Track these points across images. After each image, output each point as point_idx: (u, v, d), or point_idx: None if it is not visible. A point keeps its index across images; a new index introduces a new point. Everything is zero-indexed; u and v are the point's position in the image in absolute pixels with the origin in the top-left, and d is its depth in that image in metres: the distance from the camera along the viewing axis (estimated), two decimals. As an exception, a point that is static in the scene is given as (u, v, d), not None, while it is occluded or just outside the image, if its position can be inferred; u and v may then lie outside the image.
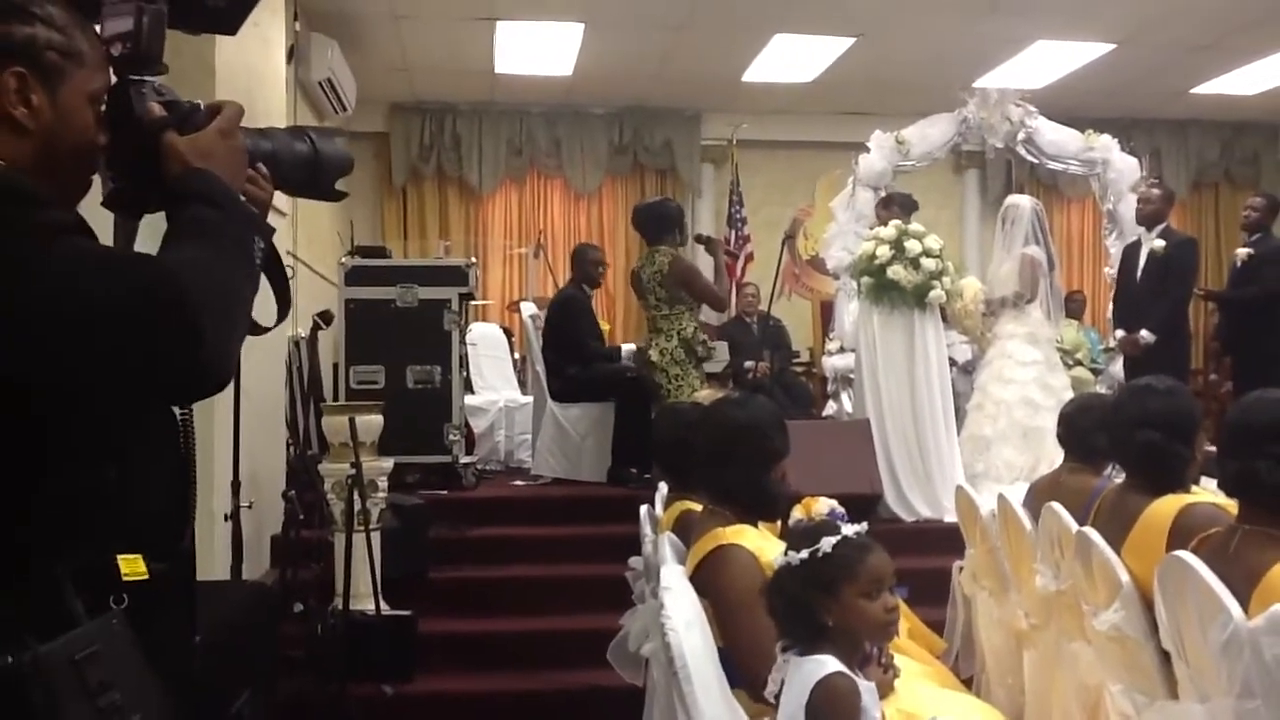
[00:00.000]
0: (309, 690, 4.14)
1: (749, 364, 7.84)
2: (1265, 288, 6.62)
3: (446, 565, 5.23)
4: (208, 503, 4.12)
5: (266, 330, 1.52)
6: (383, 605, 4.51)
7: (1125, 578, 2.58)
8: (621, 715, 3.38)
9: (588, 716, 4.33)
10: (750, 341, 8.27)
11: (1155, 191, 6.71)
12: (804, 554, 2.11)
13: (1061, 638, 2.99)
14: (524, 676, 4.59)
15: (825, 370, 8.04)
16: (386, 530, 4.73)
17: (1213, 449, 2.95)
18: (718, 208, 10.50)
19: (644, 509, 3.65)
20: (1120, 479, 3.21)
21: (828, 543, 2.09)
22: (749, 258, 9.91)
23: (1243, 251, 6.92)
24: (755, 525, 2.68)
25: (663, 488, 3.74)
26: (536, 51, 8.38)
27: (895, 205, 6.87)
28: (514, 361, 8.35)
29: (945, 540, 4.28)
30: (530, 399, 7.16)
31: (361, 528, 4.31)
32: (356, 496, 4.27)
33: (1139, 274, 6.60)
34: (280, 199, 1.57)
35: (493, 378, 7.98)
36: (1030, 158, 8.20)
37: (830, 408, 7.73)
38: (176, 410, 1.46)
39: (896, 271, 5.78)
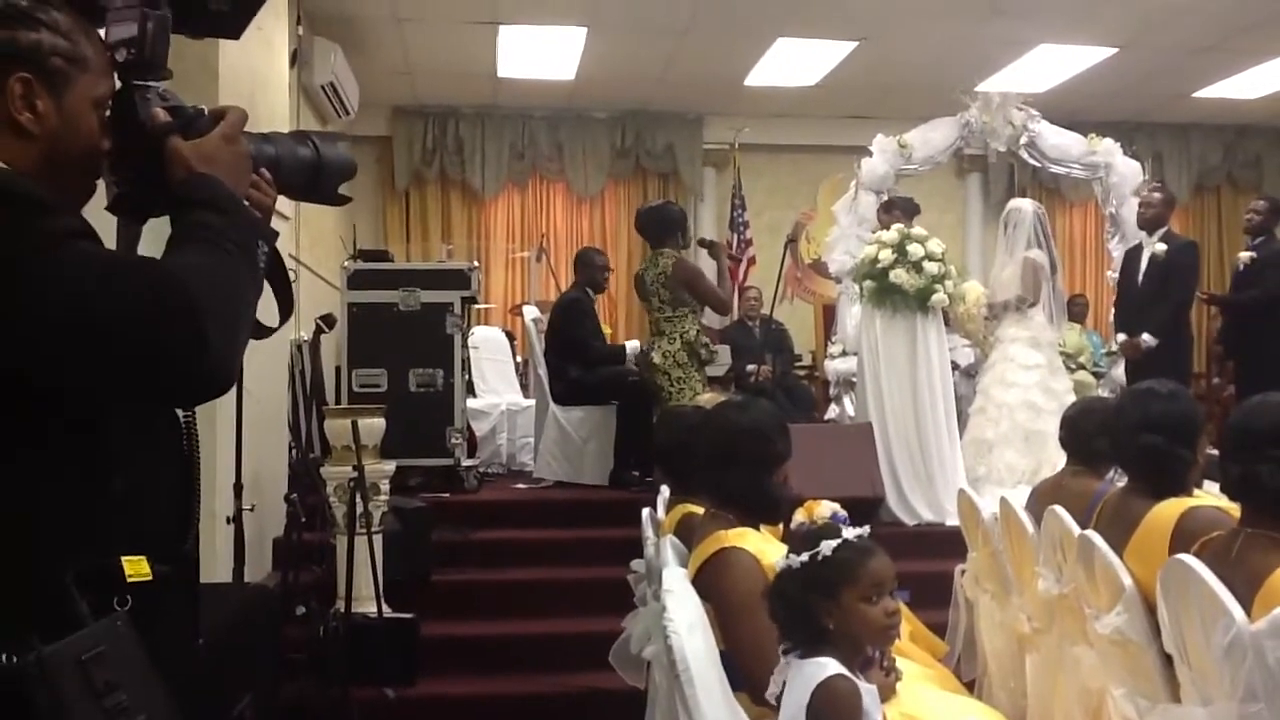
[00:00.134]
0: (311, 693, 4.14)
1: (751, 367, 7.84)
2: (1268, 291, 6.62)
3: (449, 568, 5.23)
4: (210, 505, 4.11)
5: (270, 332, 1.52)
6: (385, 608, 4.51)
7: (1128, 581, 2.58)
8: (623, 718, 3.38)
9: (589, 719, 4.33)
10: (752, 345, 8.27)
11: (1156, 195, 6.72)
12: (804, 557, 2.11)
13: (1064, 641, 2.99)
14: (526, 679, 4.59)
15: (827, 374, 8.04)
16: (388, 533, 4.74)
17: (1215, 452, 2.95)
18: (720, 211, 10.50)
19: (646, 512, 3.65)
20: (1122, 482, 3.21)
21: (828, 546, 2.10)
22: (751, 261, 9.92)
23: (1245, 255, 6.92)
24: (757, 528, 2.68)
25: (664, 491, 3.74)
26: (539, 55, 8.39)
27: (897, 209, 6.88)
28: (516, 365, 8.35)
29: (947, 543, 4.28)
30: (532, 402, 7.16)
31: (363, 531, 4.31)
32: (358, 499, 4.27)
33: (1140, 278, 6.60)
34: (283, 203, 1.58)
35: (495, 381, 7.98)
36: (1033, 161, 8.21)
37: (832, 411, 7.74)
38: (180, 413, 1.47)
39: (899, 275, 5.78)
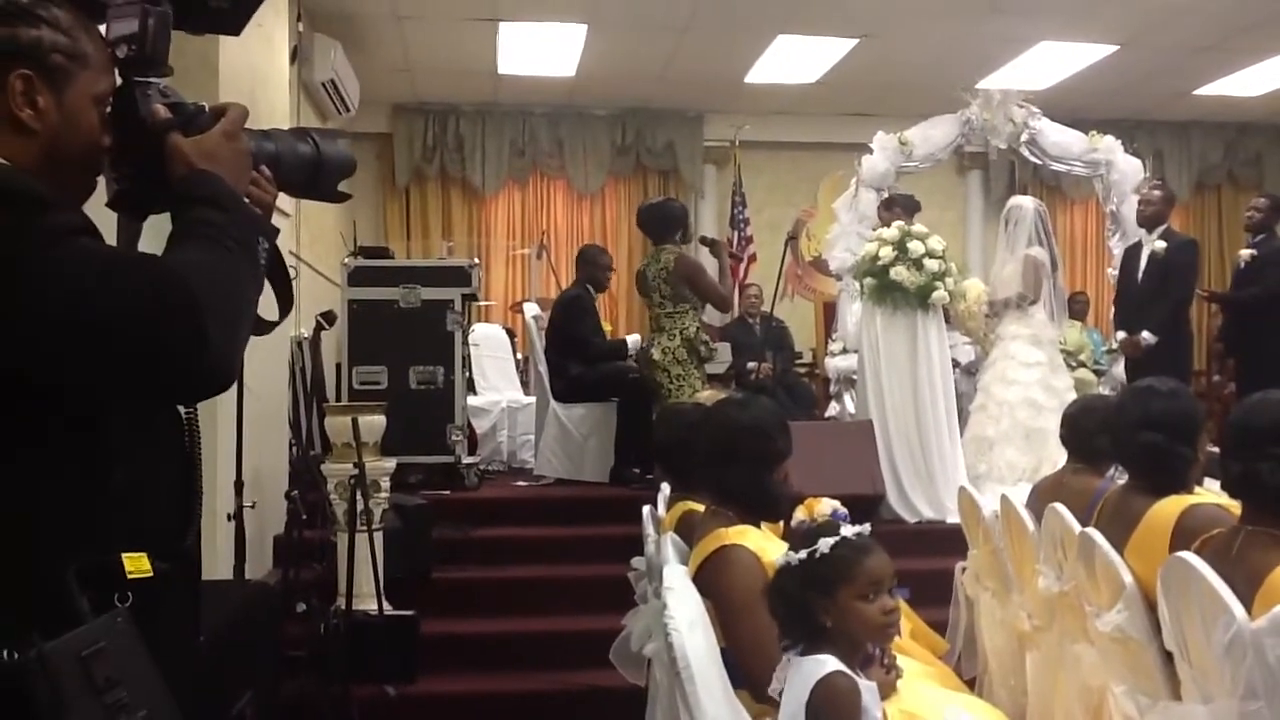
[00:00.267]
0: (311, 690, 4.14)
1: (751, 365, 7.84)
2: (1268, 289, 6.63)
3: (449, 566, 5.24)
4: (211, 503, 4.08)
5: (270, 328, 1.52)
6: (385, 606, 4.52)
7: (1128, 579, 2.58)
8: (624, 715, 3.38)
9: (590, 717, 4.33)
10: (753, 342, 8.27)
11: (1156, 193, 6.72)
12: (802, 554, 2.11)
13: (1064, 639, 2.99)
14: (526, 677, 4.59)
15: (828, 371, 8.04)
16: (389, 530, 4.74)
17: (1215, 450, 2.95)
18: (720, 209, 10.50)
19: (646, 509, 3.65)
20: (1123, 480, 3.21)
21: (825, 543, 2.10)
22: (751, 259, 9.92)
23: (1245, 253, 6.92)
24: (758, 526, 2.68)
25: (665, 488, 3.74)
26: (539, 52, 8.39)
27: (898, 206, 6.87)
28: (516, 362, 8.36)
29: (948, 541, 4.27)
30: (533, 399, 7.16)
31: (364, 528, 4.31)
32: (359, 497, 4.27)
33: (1140, 275, 6.61)
34: (283, 199, 1.58)
35: (495, 378, 7.98)
36: (1033, 159, 8.21)
37: (833, 409, 7.73)
38: (182, 409, 1.47)
39: (899, 272, 5.78)
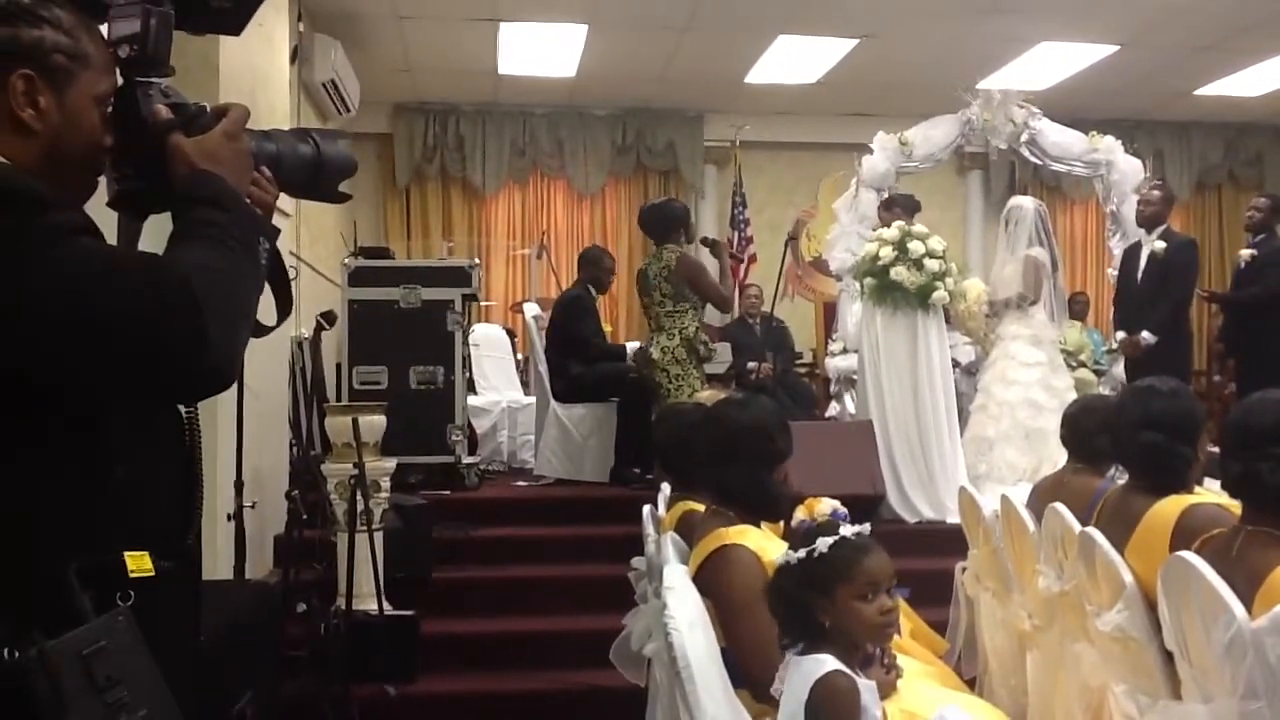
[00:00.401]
0: (312, 690, 4.14)
1: (752, 365, 7.84)
2: (1268, 289, 6.63)
3: (449, 566, 5.24)
4: (211, 502, 4.07)
5: (268, 331, 1.52)
6: (385, 605, 4.52)
7: (1128, 578, 2.58)
8: (624, 715, 3.38)
9: (590, 716, 4.33)
10: (753, 342, 8.27)
11: (1155, 193, 6.72)
12: (801, 554, 2.11)
13: (1064, 638, 2.99)
14: (526, 677, 4.59)
15: (828, 371, 8.04)
16: (389, 531, 4.74)
17: (1216, 450, 2.95)
18: (720, 209, 10.50)
19: (646, 509, 3.65)
20: (1123, 480, 3.21)
21: (824, 543, 2.10)
22: (752, 259, 9.92)
23: (1246, 253, 6.93)
24: (758, 526, 2.69)
25: (665, 488, 3.74)
26: (540, 52, 8.39)
27: (898, 206, 6.87)
28: (517, 362, 8.36)
29: (948, 541, 4.27)
30: (533, 399, 7.17)
31: (364, 528, 4.31)
32: (359, 497, 4.28)
33: (1139, 276, 6.61)
34: (284, 200, 1.58)
35: (495, 378, 7.99)
36: (1034, 159, 8.21)
37: (833, 409, 7.73)
38: (182, 409, 1.47)
39: (899, 273, 5.78)
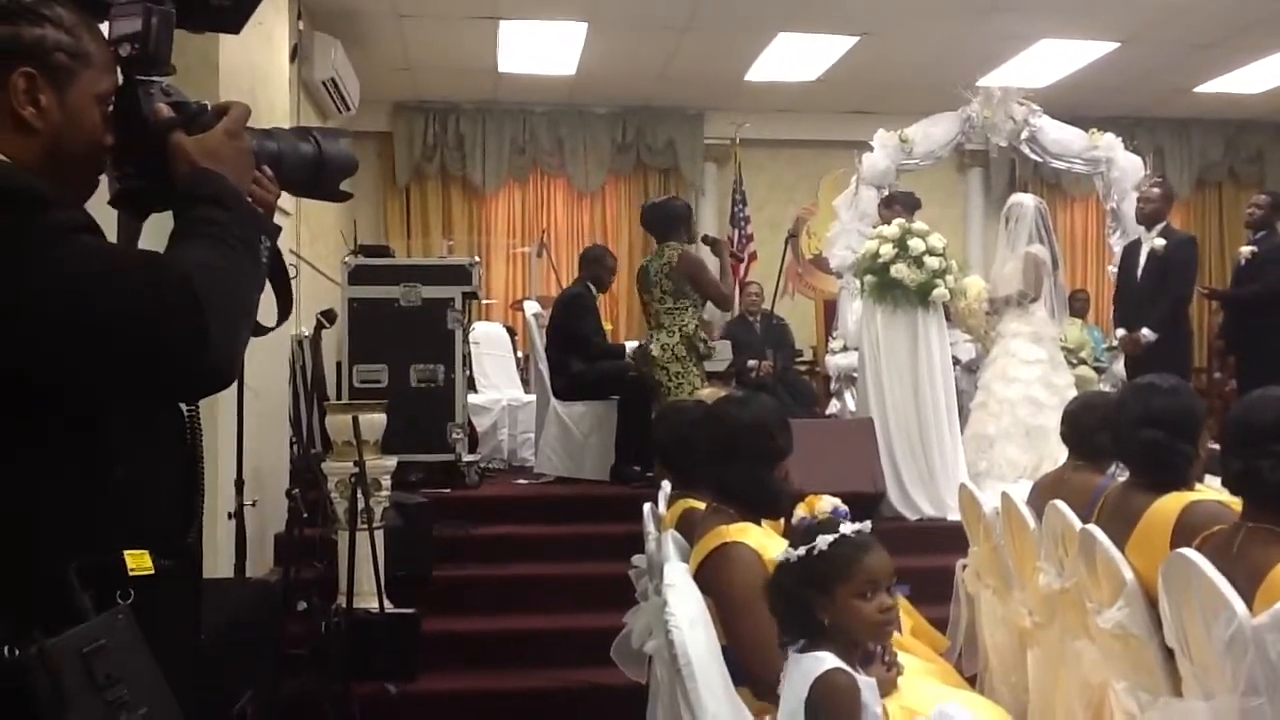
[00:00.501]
0: (312, 689, 4.15)
1: (752, 363, 7.84)
2: (1269, 285, 6.63)
3: (450, 564, 5.24)
4: (212, 501, 4.12)
5: (268, 331, 1.52)
6: (386, 604, 4.51)
7: (1129, 575, 2.58)
8: (625, 713, 3.38)
9: (591, 714, 4.34)
10: (753, 340, 8.27)
11: (1155, 190, 6.71)
12: (800, 551, 2.12)
13: (1065, 635, 2.99)
14: (527, 674, 4.59)
15: (828, 369, 8.04)
16: (390, 529, 4.74)
17: (1216, 447, 2.95)
18: (720, 207, 10.50)
19: (647, 507, 3.65)
20: (1124, 477, 3.21)
21: (823, 541, 2.10)
22: (752, 257, 9.92)
23: (1246, 250, 6.93)
24: (759, 523, 2.69)
25: (666, 486, 3.74)
26: (539, 51, 8.39)
27: (898, 204, 6.87)
28: (517, 360, 8.36)
29: (949, 538, 4.28)
30: (533, 397, 7.17)
31: (365, 526, 4.31)
32: (360, 495, 4.28)
33: (1139, 273, 6.60)
34: (285, 199, 1.58)
35: (496, 376, 7.98)
36: (1034, 157, 8.21)
37: (833, 406, 7.74)
38: (183, 407, 1.47)
39: (900, 270, 5.78)
